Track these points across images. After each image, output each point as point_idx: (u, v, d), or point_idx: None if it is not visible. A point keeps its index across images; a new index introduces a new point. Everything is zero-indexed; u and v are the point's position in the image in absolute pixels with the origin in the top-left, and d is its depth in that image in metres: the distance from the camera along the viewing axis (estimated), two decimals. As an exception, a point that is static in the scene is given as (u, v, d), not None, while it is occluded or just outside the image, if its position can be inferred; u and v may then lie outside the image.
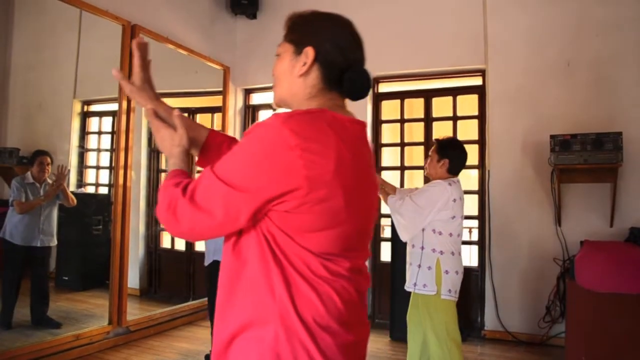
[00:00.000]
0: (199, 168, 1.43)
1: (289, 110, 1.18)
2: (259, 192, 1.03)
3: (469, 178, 5.46)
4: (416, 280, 2.98)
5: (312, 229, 1.06)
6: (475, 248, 5.00)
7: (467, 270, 4.95)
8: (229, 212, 1.05)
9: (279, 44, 1.25)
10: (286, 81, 1.22)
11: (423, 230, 3.00)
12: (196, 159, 1.46)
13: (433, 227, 2.98)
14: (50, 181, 4.15)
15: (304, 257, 1.07)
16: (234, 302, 1.12)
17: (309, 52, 1.17)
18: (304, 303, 1.06)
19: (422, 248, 3.00)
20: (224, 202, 1.05)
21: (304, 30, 1.21)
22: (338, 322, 1.09)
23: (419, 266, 2.99)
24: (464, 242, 4.98)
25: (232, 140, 1.47)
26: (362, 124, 1.20)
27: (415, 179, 5.46)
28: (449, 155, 3.05)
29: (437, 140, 3.19)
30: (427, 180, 3.33)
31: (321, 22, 1.22)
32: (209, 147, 1.43)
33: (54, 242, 4.23)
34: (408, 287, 3.05)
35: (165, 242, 5.75)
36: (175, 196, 1.11)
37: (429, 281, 2.95)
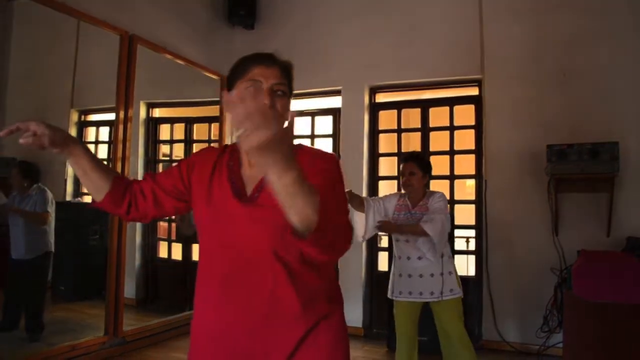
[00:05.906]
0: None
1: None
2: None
3: (465, 187, 5.47)
4: (442, 288, 3.10)
5: None
6: (472, 257, 4.99)
7: (465, 280, 4.95)
8: None
9: (281, 82, 1.40)
10: (285, 117, 1.36)
11: None
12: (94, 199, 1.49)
13: None
14: (34, 193, 4.02)
15: None
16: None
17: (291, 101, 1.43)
18: None
19: (442, 256, 3.16)
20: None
21: (291, 80, 1.46)
22: None
23: (442, 274, 3.13)
24: (461, 252, 5.00)
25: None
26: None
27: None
28: (429, 171, 3.32)
29: (415, 156, 3.35)
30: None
31: None
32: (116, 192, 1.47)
33: (26, 257, 3.99)
34: (433, 297, 3.13)
35: (162, 251, 5.73)
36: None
37: (454, 285, 3.14)
